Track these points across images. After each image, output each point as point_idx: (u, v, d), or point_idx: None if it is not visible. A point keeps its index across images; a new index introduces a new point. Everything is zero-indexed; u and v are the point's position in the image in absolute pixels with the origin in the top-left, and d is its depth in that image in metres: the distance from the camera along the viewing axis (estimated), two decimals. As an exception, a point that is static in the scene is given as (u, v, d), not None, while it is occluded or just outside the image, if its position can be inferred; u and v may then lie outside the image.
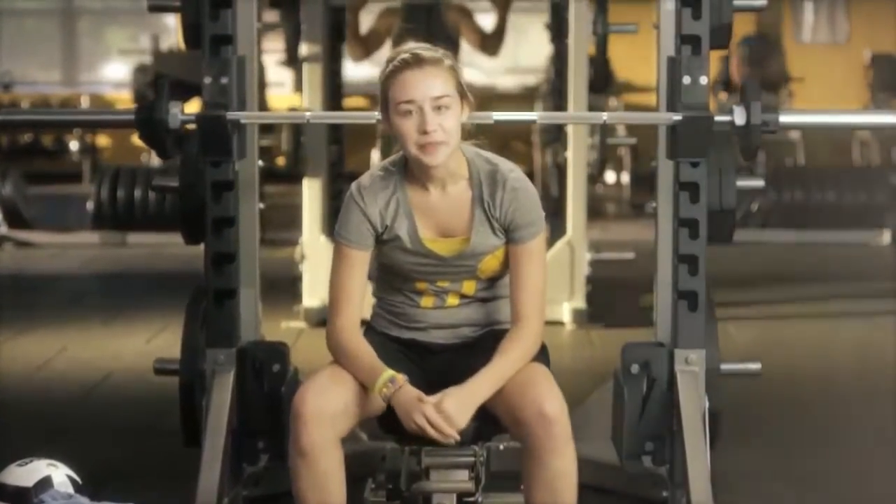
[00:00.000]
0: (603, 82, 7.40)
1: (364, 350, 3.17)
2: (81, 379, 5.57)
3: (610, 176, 12.41)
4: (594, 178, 7.07)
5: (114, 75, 15.16)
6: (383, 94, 3.19)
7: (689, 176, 3.68)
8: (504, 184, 3.20)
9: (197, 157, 3.77)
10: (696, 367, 3.73)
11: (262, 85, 9.90)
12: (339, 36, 7.03)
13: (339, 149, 7.02)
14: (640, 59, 12.80)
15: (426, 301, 3.29)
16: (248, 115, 3.71)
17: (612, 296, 7.07)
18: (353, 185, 3.26)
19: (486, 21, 7.92)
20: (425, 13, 7.16)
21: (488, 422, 3.17)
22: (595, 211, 6.77)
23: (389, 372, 3.11)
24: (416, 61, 3.15)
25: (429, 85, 3.13)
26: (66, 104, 13.71)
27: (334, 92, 6.99)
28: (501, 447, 3.81)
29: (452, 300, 3.28)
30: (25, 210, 10.02)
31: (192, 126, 3.68)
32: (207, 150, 3.68)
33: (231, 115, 3.64)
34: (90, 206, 9.37)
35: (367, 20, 7.41)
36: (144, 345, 6.15)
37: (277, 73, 11.99)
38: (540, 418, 3.04)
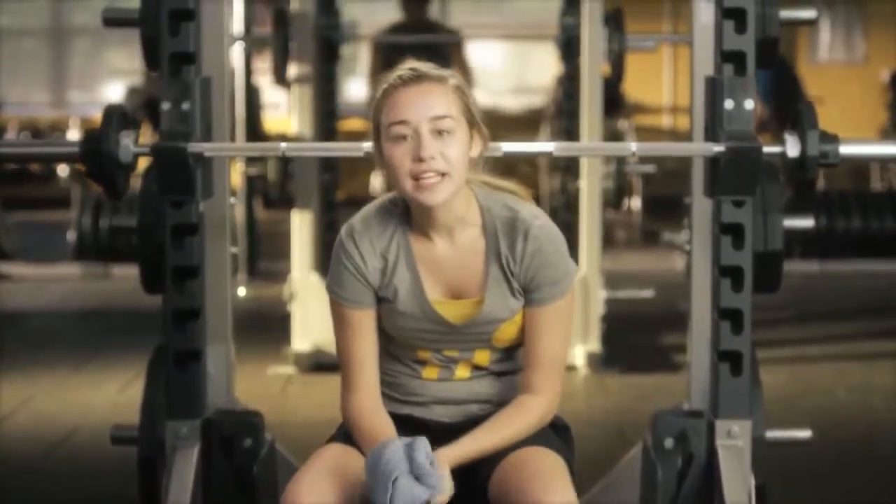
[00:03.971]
0: (614, 104, 6.91)
1: (380, 428, 2.64)
2: (43, 436, 5.01)
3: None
4: (617, 205, 6.52)
5: (113, 96, 14.66)
6: (375, 120, 2.65)
7: (733, 216, 3.14)
8: (526, 233, 2.64)
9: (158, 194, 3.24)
10: (740, 440, 3.20)
11: (257, 107, 9.36)
12: (332, 55, 6.51)
13: (332, 176, 6.49)
14: (646, 77, 12.46)
15: (429, 372, 2.73)
16: (212, 146, 3.17)
17: (629, 336, 6.53)
18: (344, 230, 2.70)
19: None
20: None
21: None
22: (605, 239, 6.27)
23: None
24: (414, 77, 2.61)
25: (427, 104, 2.58)
26: (55, 127, 13.25)
27: (327, 115, 6.46)
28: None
29: (462, 372, 2.73)
30: (5, 240, 9.49)
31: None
32: (166, 187, 3.14)
33: (193, 146, 3.10)
34: (71, 235, 8.83)
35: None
36: (116, 395, 5.61)
37: (277, 94, 11.48)
38: None
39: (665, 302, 6.67)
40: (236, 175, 8.65)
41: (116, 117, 3.09)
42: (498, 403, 2.73)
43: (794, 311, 7.40)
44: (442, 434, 2.68)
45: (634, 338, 6.61)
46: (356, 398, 2.68)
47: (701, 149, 3.17)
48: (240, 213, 8.61)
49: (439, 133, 2.58)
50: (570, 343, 2.74)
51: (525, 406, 2.67)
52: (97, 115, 10.37)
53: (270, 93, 11.30)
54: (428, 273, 2.67)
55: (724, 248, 3.16)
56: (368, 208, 2.72)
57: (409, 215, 2.68)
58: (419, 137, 2.57)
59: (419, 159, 2.57)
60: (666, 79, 13.62)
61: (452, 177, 2.59)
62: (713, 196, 3.17)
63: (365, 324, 2.68)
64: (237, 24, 8.26)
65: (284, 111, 11.41)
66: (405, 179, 2.59)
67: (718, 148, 3.08)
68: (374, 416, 2.66)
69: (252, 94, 8.78)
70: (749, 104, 3.09)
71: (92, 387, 5.82)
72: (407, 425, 2.71)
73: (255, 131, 8.57)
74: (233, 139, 8.29)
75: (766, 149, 3.08)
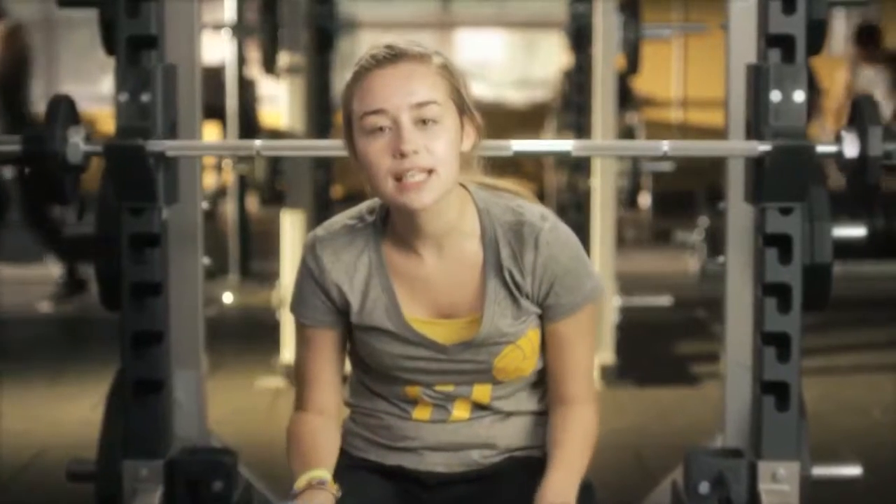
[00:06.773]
0: (625, 97, 6.52)
1: (306, 440, 2.26)
2: (9, 459, 4.59)
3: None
4: (630, 204, 6.12)
5: (107, 90, 14.28)
6: (346, 109, 2.21)
7: (779, 226, 2.73)
8: (536, 241, 2.22)
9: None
10: (786, 484, 2.78)
11: (252, 100, 8.93)
12: (326, 45, 6.10)
13: (326, 173, 6.07)
14: (654, 69, 12.06)
15: (420, 412, 2.31)
16: (175, 144, 2.74)
17: (644, 346, 6.11)
18: (307, 240, 2.29)
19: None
20: None
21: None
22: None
23: (311, 473, 2.20)
24: (390, 56, 2.17)
25: (408, 88, 2.15)
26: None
27: (321, 109, 6.05)
28: None
29: (460, 412, 2.30)
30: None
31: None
32: (123, 191, 2.72)
33: (153, 144, 2.67)
34: (55, 235, 8.42)
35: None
36: (90, 412, 5.17)
37: (275, 86, 11.06)
38: None
39: (680, 307, 6.26)
40: (228, 173, 8.28)
41: (63, 110, 2.66)
42: (505, 450, 2.32)
43: (818, 316, 6.94)
44: (437, 487, 2.28)
45: (650, 347, 6.19)
46: (302, 415, 2.30)
47: (744, 148, 2.75)
48: (232, 212, 8.28)
49: (423, 122, 2.15)
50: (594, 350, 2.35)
51: (574, 417, 2.26)
52: (90, 109, 9.82)
53: (268, 85, 10.88)
54: (408, 292, 2.25)
55: (769, 263, 2.74)
56: (337, 217, 2.31)
57: (389, 224, 2.26)
58: (399, 128, 2.14)
59: (400, 154, 2.14)
60: (675, 71, 13.24)
61: (440, 174, 2.16)
62: (756, 203, 2.75)
63: (324, 345, 2.29)
64: (228, 11, 7.87)
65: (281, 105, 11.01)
66: (384, 180, 2.16)
67: (764, 147, 2.66)
68: (316, 436, 2.26)
69: (245, 87, 8.37)
70: (800, 96, 2.68)
71: (65, 402, 5.41)
72: (396, 479, 2.30)
73: (250, 125, 8.16)
74: (224, 136, 7.95)
75: (820, 148, 2.66)
